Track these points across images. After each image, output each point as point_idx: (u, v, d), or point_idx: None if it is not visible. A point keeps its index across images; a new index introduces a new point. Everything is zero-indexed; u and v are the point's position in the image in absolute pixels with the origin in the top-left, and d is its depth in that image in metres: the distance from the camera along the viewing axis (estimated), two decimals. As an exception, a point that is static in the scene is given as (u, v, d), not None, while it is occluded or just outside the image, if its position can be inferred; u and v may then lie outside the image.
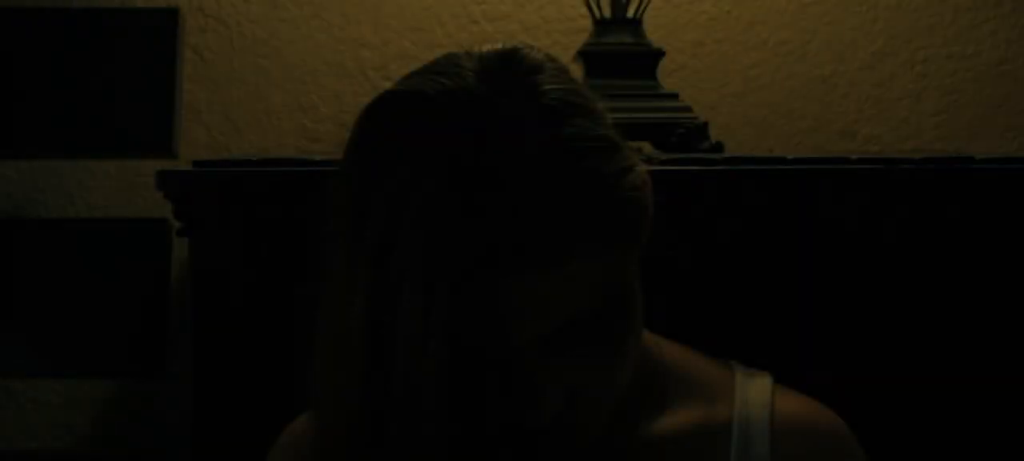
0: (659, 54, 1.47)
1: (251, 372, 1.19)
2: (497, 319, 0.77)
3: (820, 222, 1.19)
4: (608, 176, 0.79)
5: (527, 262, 0.75)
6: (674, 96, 1.46)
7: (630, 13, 1.45)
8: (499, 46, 0.81)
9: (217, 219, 1.19)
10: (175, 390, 1.65)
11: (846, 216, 1.19)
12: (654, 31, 1.62)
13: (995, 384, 1.20)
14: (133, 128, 1.61)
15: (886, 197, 1.19)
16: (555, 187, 0.76)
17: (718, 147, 1.44)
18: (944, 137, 1.69)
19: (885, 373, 1.20)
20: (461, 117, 0.76)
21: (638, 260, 0.86)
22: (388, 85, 0.84)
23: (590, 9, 1.47)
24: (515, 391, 0.81)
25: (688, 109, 1.44)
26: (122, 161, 1.67)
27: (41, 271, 1.61)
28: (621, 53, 1.44)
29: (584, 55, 1.46)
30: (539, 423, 0.83)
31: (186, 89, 1.66)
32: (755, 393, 0.96)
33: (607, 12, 1.46)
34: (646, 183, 0.85)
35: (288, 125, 1.66)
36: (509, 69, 0.79)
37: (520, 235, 0.74)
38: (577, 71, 1.48)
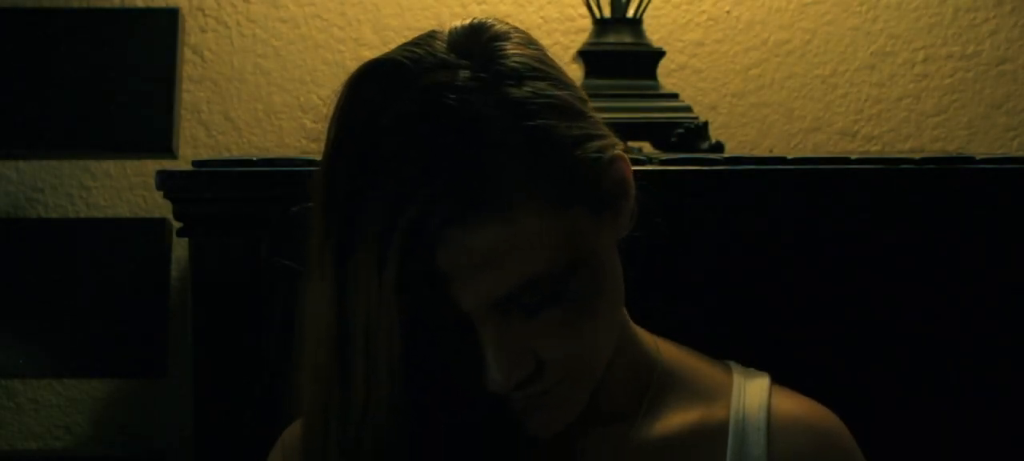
0: (659, 54, 1.47)
1: (251, 372, 1.19)
2: (454, 271, 0.78)
3: (820, 222, 1.19)
4: (562, 137, 0.81)
5: (474, 211, 0.77)
6: (674, 96, 1.46)
7: (630, 13, 1.45)
8: (469, 21, 0.85)
9: (217, 219, 1.19)
10: (175, 390, 1.65)
11: (846, 216, 1.19)
12: (654, 31, 1.62)
13: (995, 384, 1.20)
14: (133, 128, 1.61)
15: (886, 197, 1.19)
16: (503, 139, 0.78)
17: (718, 147, 1.44)
18: (944, 137, 1.69)
19: (884, 373, 1.20)
20: (423, 78, 0.80)
21: (613, 236, 0.87)
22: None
23: (590, 9, 1.47)
24: (477, 356, 0.82)
25: (688, 109, 1.44)
26: (122, 161, 1.67)
27: (41, 271, 1.61)
28: (621, 53, 1.44)
29: (584, 55, 1.46)
30: (504, 390, 0.82)
31: (186, 89, 1.66)
32: (753, 393, 0.97)
33: (607, 12, 1.46)
34: (622, 161, 0.87)
35: (288, 125, 1.66)
36: (474, 37, 0.83)
37: (468, 185, 0.77)
38: (577, 71, 1.48)
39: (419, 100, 0.79)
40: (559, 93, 0.83)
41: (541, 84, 0.82)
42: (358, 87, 0.82)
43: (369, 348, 0.80)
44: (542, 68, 0.83)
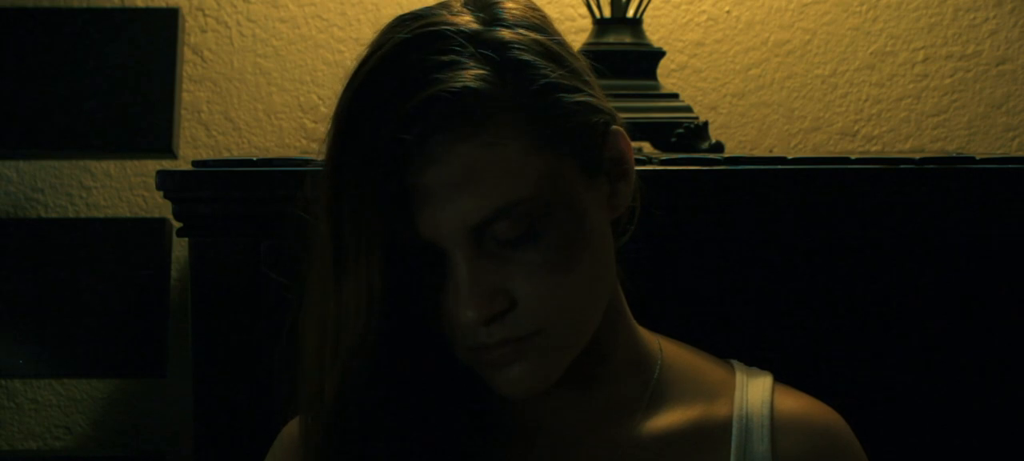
0: (659, 54, 1.47)
1: (251, 372, 1.19)
2: (433, 190, 0.81)
3: (820, 222, 1.19)
4: (548, 77, 0.86)
5: (454, 127, 0.81)
6: (674, 96, 1.46)
7: (630, 13, 1.45)
8: None
9: (217, 219, 1.19)
10: (175, 390, 1.65)
11: (846, 216, 1.19)
12: (654, 31, 1.62)
13: (995, 384, 1.20)
14: (133, 128, 1.61)
15: (886, 197, 1.19)
16: (490, 67, 0.83)
17: (718, 147, 1.44)
18: (944, 137, 1.69)
19: (885, 373, 1.20)
20: (429, 18, 0.86)
21: (605, 207, 0.89)
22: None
23: (590, 9, 1.47)
24: (456, 293, 0.84)
25: (688, 109, 1.44)
26: (122, 161, 1.67)
27: (41, 271, 1.61)
28: (621, 53, 1.44)
29: (584, 55, 1.46)
30: (475, 324, 0.84)
31: (186, 89, 1.66)
32: (755, 392, 0.97)
33: (607, 12, 1.46)
34: (621, 137, 0.90)
35: (288, 125, 1.67)
36: None
37: (451, 101, 0.81)
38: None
39: (419, 31, 0.85)
40: (549, 42, 0.88)
41: (534, 33, 0.87)
42: (379, 33, 0.88)
43: (356, 261, 0.83)
44: (539, 24, 0.89)
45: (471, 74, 0.82)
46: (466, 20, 0.85)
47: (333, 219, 0.84)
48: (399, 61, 0.83)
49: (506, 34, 0.86)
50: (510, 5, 0.89)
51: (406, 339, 0.85)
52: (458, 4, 0.88)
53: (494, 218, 0.83)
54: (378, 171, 0.81)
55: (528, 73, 0.85)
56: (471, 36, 0.84)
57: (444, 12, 0.87)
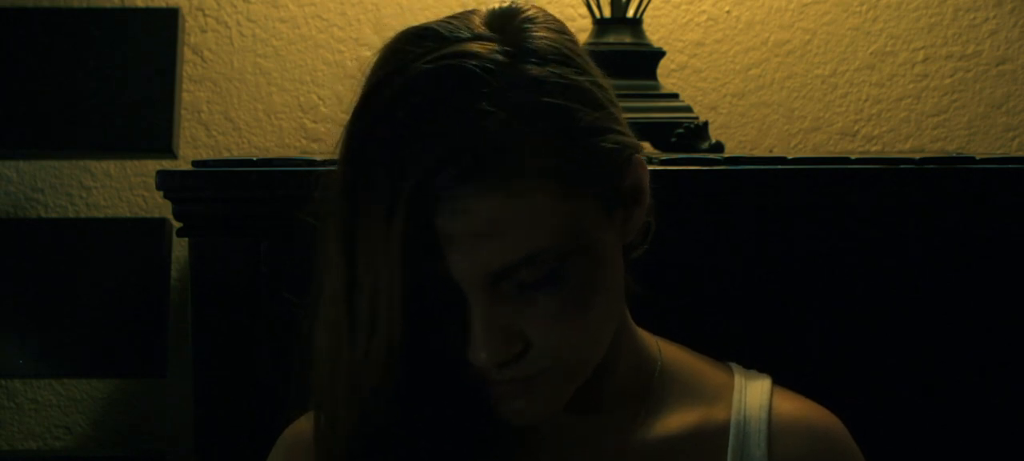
0: (659, 54, 1.47)
1: (251, 372, 1.19)
2: (456, 236, 0.79)
3: (820, 222, 1.19)
4: (578, 121, 0.82)
5: (480, 177, 0.78)
6: (674, 96, 1.46)
7: (630, 13, 1.45)
8: (509, 3, 0.88)
9: (217, 219, 1.19)
10: (175, 390, 1.65)
11: (846, 216, 1.19)
12: (654, 31, 1.62)
13: (995, 384, 1.20)
14: (133, 128, 1.60)
15: (886, 197, 1.19)
16: (518, 112, 0.79)
17: (718, 147, 1.44)
18: (944, 137, 1.69)
19: (885, 374, 1.20)
20: (451, 45, 0.81)
21: (620, 237, 0.88)
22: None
23: (590, 9, 1.47)
24: (470, 332, 0.82)
25: (688, 109, 1.44)
26: (122, 161, 1.67)
27: (41, 271, 1.61)
28: (621, 53, 1.44)
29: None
30: (486, 366, 0.83)
31: (186, 89, 1.66)
32: (754, 395, 0.97)
33: (607, 12, 1.46)
34: (641, 167, 0.88)
35: (288, 125, 1.66)
36: (508, 17, 0.85)
37: (477, 150, 0.78)
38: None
39: (443, 62, 0.80)
40: (580, 80, 0.84)
41: (565, 69, 0.83)
42: (393, 48, 0.84)
43: (373, 303, 0.81)
44: (569, 55, 0.85)
45: (499, 120, 0.78)
46: (490, 49, 0.81)
47: (346, 251, 0.82)
48: (419, 99, 0.79)
49: (535, 71, 0.81)
50: (539, 31, 0.84)
51: (416, 359, 0.84)
52: (479, 22, 0.84)
53: (513, 266, 0.80)
54: (396, 217, 0.78)
55: (558, 119, 0.81)
56: (498, 74, 0.80)
57: (465, 34, 0.82)
